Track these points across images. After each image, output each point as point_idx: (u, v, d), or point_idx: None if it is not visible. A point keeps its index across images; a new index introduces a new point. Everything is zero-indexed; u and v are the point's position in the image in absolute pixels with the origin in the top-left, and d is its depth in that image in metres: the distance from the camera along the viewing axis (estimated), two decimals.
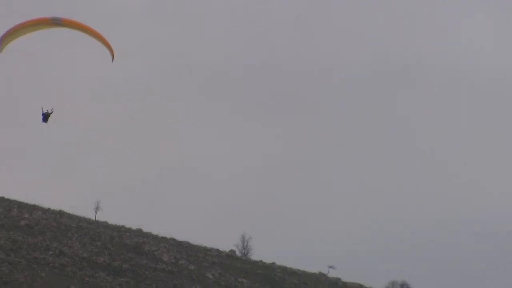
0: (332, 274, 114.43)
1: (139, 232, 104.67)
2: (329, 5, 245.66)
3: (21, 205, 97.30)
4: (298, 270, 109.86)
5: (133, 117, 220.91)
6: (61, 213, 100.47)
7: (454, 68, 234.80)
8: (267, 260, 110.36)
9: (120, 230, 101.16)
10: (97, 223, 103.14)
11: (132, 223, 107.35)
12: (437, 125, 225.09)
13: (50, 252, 68.61)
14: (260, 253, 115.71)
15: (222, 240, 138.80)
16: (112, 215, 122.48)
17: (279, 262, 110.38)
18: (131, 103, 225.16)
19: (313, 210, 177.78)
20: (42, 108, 45.31)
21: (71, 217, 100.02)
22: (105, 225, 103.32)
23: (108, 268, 77.32)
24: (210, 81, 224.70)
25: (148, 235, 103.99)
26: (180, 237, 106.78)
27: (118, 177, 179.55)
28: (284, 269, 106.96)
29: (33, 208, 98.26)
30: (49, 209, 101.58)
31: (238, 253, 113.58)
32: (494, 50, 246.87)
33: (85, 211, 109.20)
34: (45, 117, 45.26)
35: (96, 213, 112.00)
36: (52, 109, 45.06)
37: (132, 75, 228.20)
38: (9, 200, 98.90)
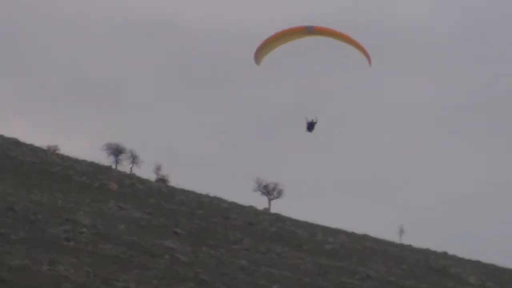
0: None
1: (444, 255, 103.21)
2: None
3: (325, 230, 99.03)
4: None
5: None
6: (365, 237, 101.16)
7: None
8: None
9: (425, 253, 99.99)
10: (401, 247, 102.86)
11: (436, 247, 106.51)
12: None
13: (357, 276, 68.68)
14: None
15: None
16: (416, 239, 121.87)
17: None
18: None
19: None
20: (306, 117, 44.15)
21: (375, 240, 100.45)
22: (410, 249, 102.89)
23: None
24: None
25: (453, 257, 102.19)
26: (485, 259, 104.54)
27: (421, 201, 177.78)
28: None
29: (337, 232, 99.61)
30: (353, 233, 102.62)
31: None
32: None
33: (389, 235, 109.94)
34: (310, 126, 44.23)
35: (400, 236, 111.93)
36: (316, 117, 43.87)
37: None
38: (313, 225, 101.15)
